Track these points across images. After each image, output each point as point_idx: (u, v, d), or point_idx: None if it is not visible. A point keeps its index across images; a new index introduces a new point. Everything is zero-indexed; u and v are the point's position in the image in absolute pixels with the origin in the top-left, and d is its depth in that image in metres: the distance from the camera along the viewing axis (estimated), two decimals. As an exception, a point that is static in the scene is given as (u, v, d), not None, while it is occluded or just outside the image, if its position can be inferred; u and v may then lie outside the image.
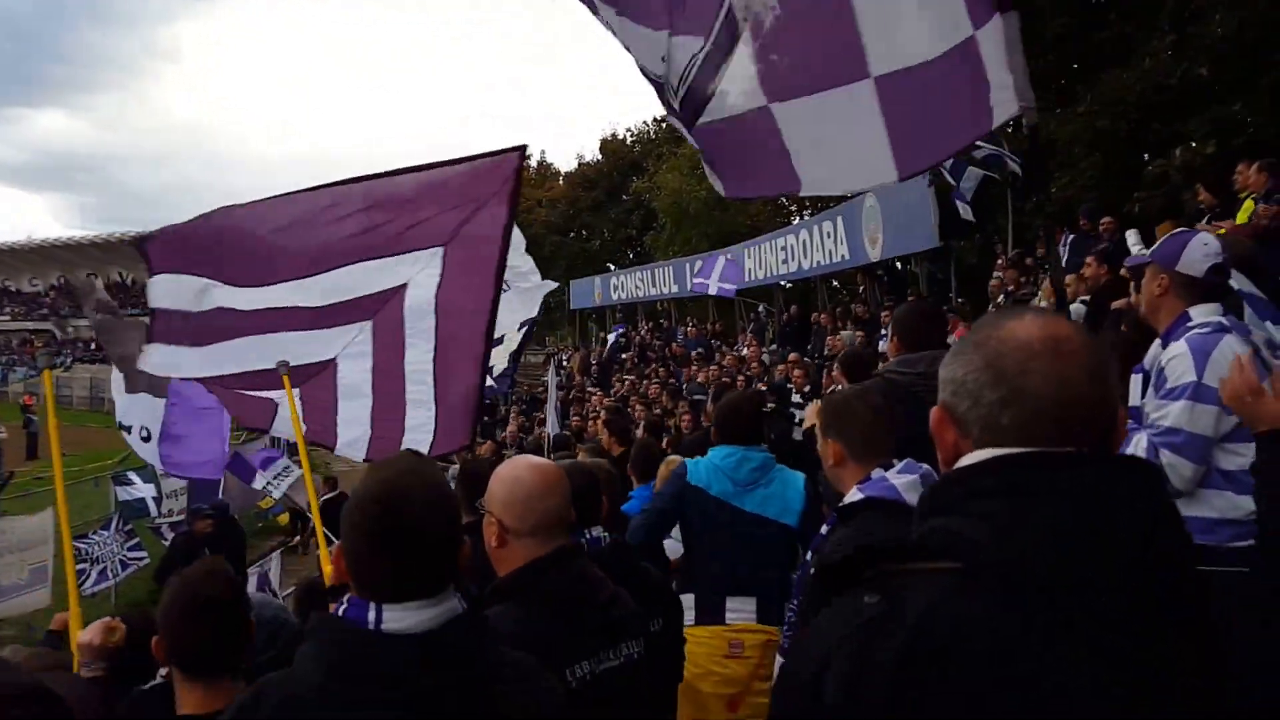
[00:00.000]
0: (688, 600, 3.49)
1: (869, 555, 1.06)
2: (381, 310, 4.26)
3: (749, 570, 3.52)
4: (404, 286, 4.17)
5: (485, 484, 3.46)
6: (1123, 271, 7.33)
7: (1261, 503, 2.36)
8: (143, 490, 12.30)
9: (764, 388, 10.15)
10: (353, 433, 4.53)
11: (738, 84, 3.62)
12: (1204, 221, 8.03)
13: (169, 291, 4.27)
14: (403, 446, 4.23)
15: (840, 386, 4.82)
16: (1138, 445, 2.72)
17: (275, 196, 4.16)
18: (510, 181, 3.90)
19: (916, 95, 3.43)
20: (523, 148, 3.95)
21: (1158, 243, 3.09)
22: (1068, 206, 11.73)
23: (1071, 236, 10.37)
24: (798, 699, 1.04)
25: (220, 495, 10.59)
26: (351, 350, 4.39)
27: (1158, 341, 2.89)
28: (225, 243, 4.21)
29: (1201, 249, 2.85)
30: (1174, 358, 2.73)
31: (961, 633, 0.94)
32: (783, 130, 3.64)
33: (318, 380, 4.46)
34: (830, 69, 3.51)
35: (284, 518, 14.73)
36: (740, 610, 3.54)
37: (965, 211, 12.54)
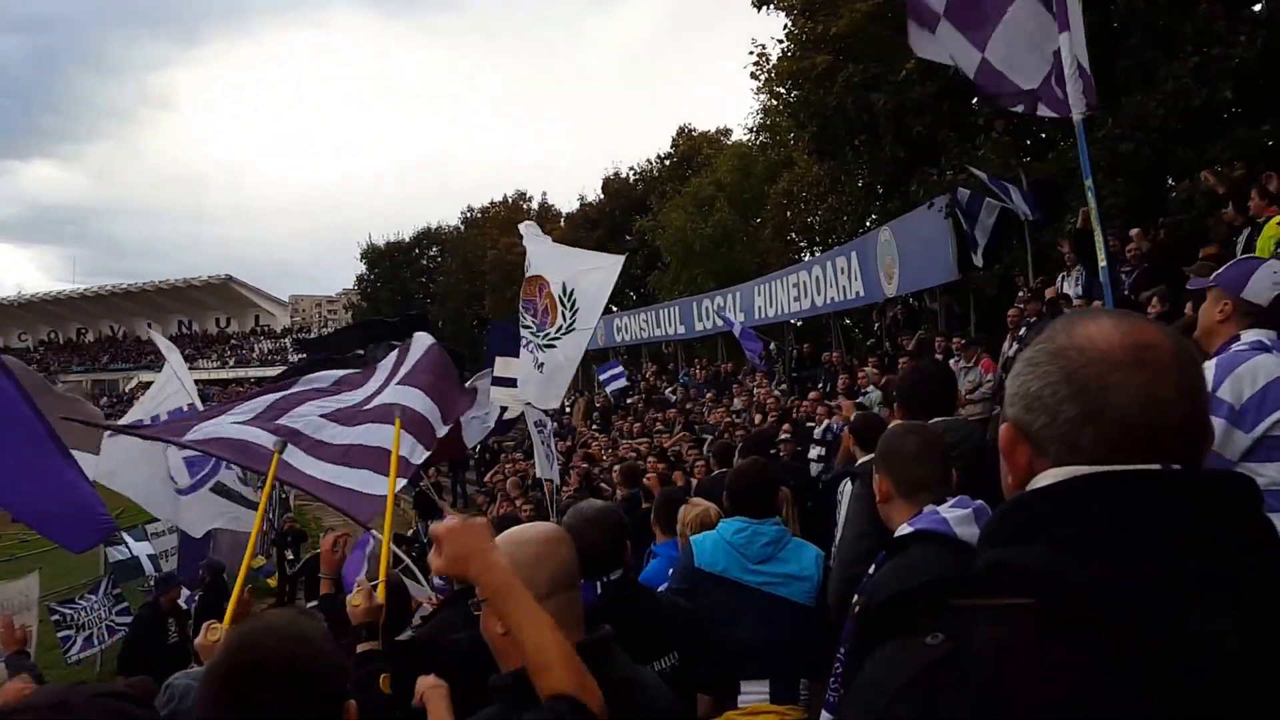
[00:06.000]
0: None
1: (924, 590, 0.95)
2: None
3: (763, 653, 3.38)
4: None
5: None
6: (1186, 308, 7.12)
7: None
8: (136, 549, 11.80)
9: (787, 432, 9.72)
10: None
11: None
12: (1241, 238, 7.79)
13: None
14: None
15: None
16: None
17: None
18: None
19: None
20: None
21: (1223, 267, 3.02)
22: (1090, 234, 11.39)
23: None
24: None
25: (211, 553, 10.08)
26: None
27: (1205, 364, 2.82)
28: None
29: (1270, 277, 2.84)
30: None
31: (1032, 676, 0.83)
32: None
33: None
34: None
35: (273, 580, 14.23)
36: (754, 693, 3.37)
37: (977, 257, 12.26)
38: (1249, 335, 2.80)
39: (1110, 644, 0.84)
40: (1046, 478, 0.98)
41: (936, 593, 0.95)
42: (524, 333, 8.42)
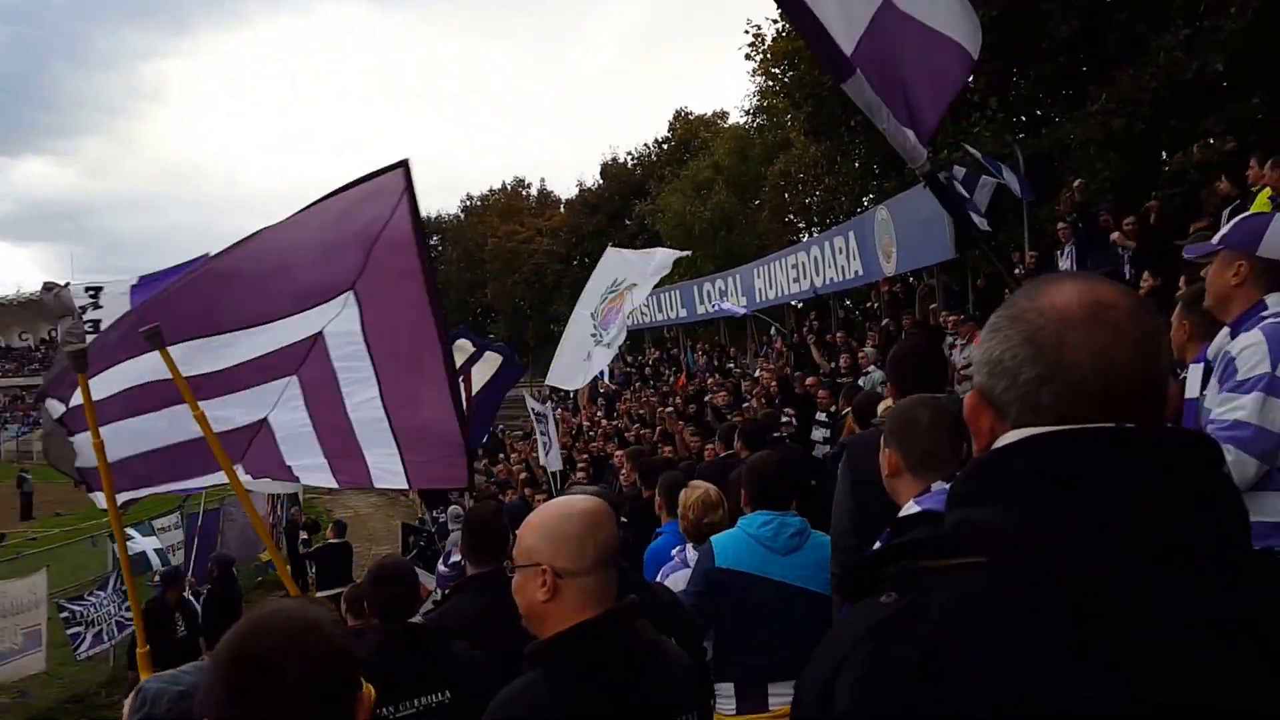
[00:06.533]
0: (726, 689, 3.27)
1: (889, 554, 0.97)
2: (305, 363, 3.93)
3: (791, 653, 3.21)
4: (320, 336, 3.78)
5: (490, 532, 3.13)
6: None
7: None
8: (143, 544, 11.89)
9: (787, 415, 9.78)
10: (310, 465, 4.16)
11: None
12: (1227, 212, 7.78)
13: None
14: (374, 483, 4.11)
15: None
16: None
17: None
18: (401, 196, 3.55)
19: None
20: (405, 161, 3.58)
21: (1226, 227, 2.84)
22: (1084, 210, 11.41)
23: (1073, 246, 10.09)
24: (807, 715, 0.95)
25: (220, 547, 10.21)
26: (284, 405, 4.05)
27: (1224, 331, 2.69)
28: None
29: None
30: (1247, 348, 2.54)
31: (988, 632, 0.84)
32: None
33: (257, 441, 4.13)
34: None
35: (284, 571, 14.37)
36: (784, 695, 3.23)
37: (981, 223, 12.22)
38: (1277, 301, 2.60)
39: (1073, 601, 0.83)
40: (1005, 439, 0.98)
41: (902, 555, 0.96)
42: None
